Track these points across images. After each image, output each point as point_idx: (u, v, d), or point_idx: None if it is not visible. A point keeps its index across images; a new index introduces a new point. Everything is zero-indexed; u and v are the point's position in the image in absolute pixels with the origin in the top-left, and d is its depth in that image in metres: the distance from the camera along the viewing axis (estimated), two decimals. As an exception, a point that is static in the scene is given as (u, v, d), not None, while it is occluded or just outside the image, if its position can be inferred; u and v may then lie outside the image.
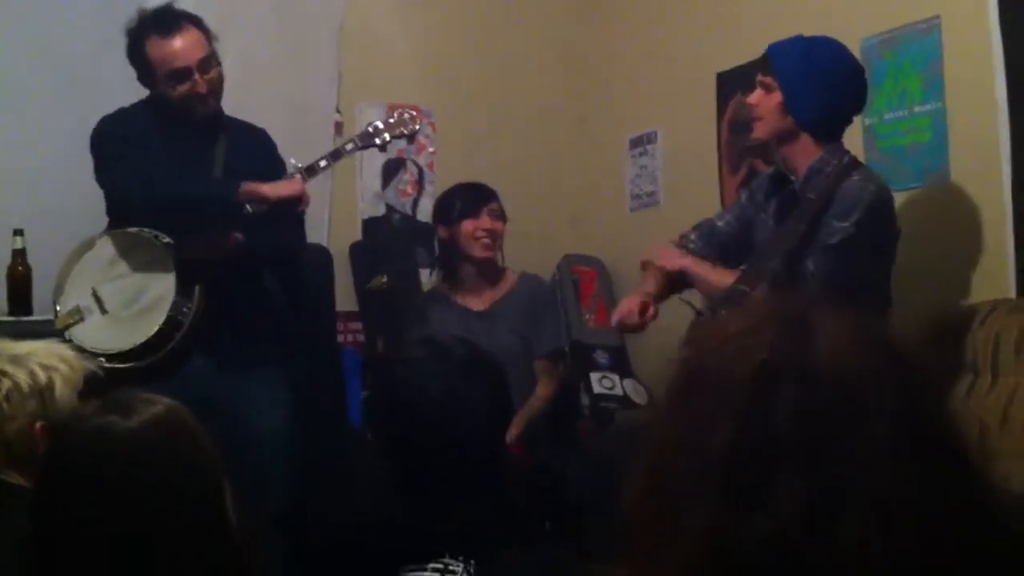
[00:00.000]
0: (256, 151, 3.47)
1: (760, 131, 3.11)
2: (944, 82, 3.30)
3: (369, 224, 4.56)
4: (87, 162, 3.36)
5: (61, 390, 2.02)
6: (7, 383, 1.96)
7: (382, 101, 4.55)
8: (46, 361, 2.05)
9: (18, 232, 3.68)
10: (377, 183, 4.57)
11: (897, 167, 3.44)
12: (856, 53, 3.54)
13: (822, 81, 3.02)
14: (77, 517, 1.39)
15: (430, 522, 1.81)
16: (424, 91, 4.63)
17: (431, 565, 1.73)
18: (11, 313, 3.64)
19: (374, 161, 4.51)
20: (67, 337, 3.19)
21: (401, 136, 3.58)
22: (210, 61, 3.32)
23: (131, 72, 3.36)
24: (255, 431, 3.29)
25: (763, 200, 3.24)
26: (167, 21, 3.29)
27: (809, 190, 3.00)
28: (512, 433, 3.63)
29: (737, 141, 4.03)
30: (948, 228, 3.30)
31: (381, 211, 4.59)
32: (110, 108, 3.43)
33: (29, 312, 3.64)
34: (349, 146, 3.48)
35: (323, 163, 3.40)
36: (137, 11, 3.36)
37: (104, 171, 3.30)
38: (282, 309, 3.58)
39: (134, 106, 3.44)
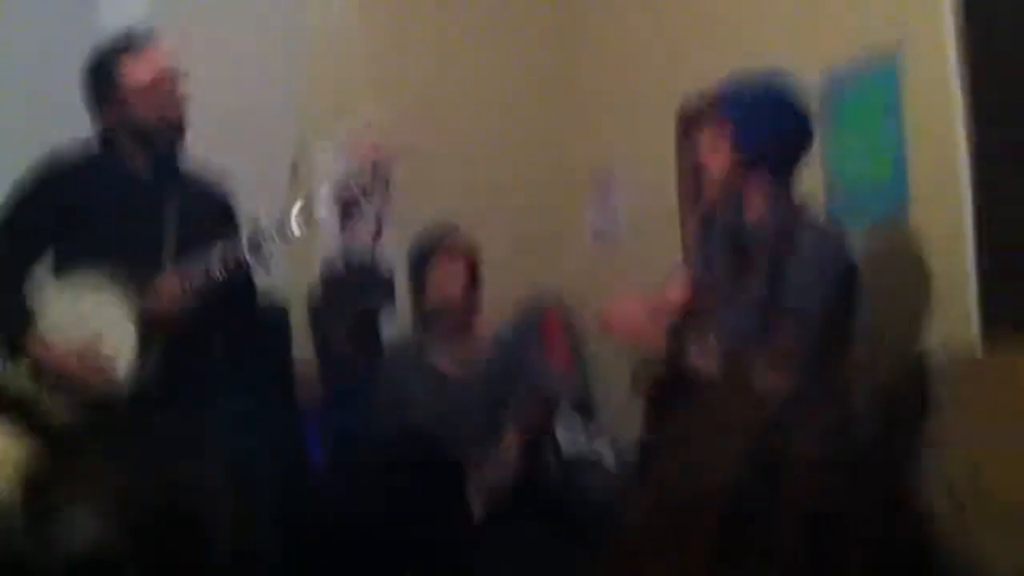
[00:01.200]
0: (213, 209, 3.38)
1: (721, 187, 3.03)
2: (904, 117, 3.25)
3: (326, 270, 4.47)
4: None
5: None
6: None
7: (339, 140, 4.49)
8: None
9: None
10: (335, 226, 4.49)
11: (857, 204, 3.39)
12: (816, 86, 3.51)
13: (770, 116, 2.97)
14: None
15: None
16: (381, 128, 4.56)
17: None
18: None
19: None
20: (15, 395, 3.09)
21: (375, 192, 3.46)
22: (176, 73, 3.28)
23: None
24: (214, 492, 3.17)
25: (714, 253, 3.17)
26: (134, 40, 3.28)
27: (761, 243, 2.92)
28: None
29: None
30: (908, 266, 3.24)
31: (340, 257, 4.50)
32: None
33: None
34: (320, 211, 3.34)
35: (296, 228, 3.25)
36: (93, 47, 3.31)
37: None
38: (235, 370, 3.48)
39: (79, 150, 3.33)
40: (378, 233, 4.54)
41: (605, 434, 4.28)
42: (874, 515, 0.94)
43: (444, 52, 4.76)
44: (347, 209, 4.29)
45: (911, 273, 3.23)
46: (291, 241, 3.27)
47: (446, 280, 3.77)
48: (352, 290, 4.44)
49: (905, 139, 3.25)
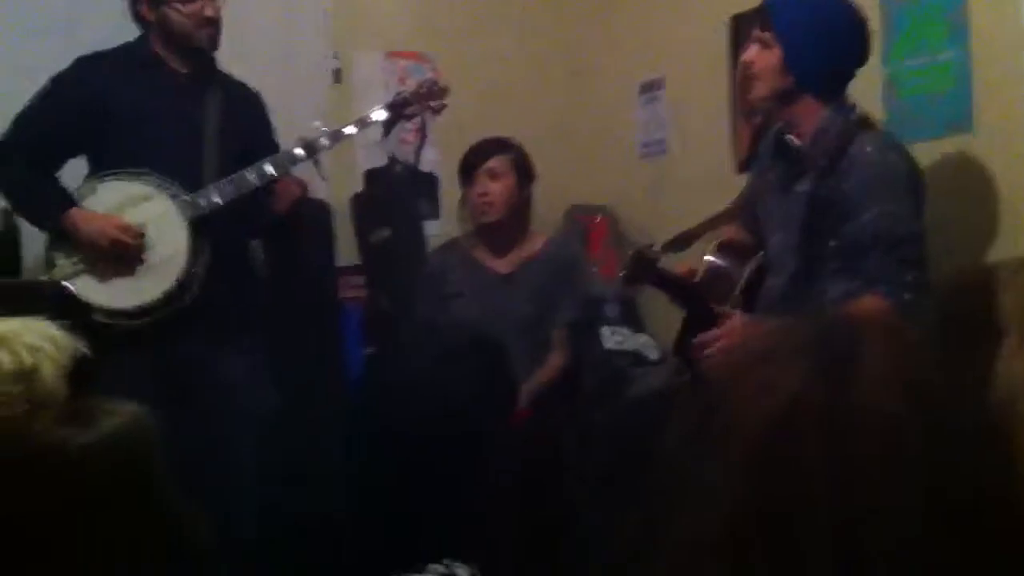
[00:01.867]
0: (250, 115, 3.36)
1: (759, 90, 2.89)
2: (969, 29, 3.15)
3: (370, 175, 4.42)
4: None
5: (47, 373, 1.91)
6: None
7: (380, 47, 4.43)
8: (33, 341, 1.93)
9: (5, 192, 3.53)
10: (378, 133, 4.43)
11: (918, 116, 3.31)
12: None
13: (825, 36, 2.85)
14: (27, 537, 1.31)
15: (427, 519, 1.71)
16: (423, 37, 4.50)
17: (433, 566, 1.62)
18: (-1, 274, 3.52)
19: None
20: (66, 289, 3.09)
21: (429, 110, 3.44)
22: None
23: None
24: (242, 411, 3.19)
25: (769, 169, 3.09)
26: None
27: (817, 154, 2.82)
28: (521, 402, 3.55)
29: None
30: (970, 181, 3.17)
31: (382, 161, 4.45)
32: None
33: (18, 273, 3.52)
34: (376, 115, 3.40)
35: (350, 129, 3.34)
36: None
37: (19, 117, 3.23)
38: (280, 271, 3.47)
39: (117, 51, 3.32)
40: (422, 139, 4.49)
41: (649, 335, 4.26)
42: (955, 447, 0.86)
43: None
44: (393, 117, 4.27)
45: (973, 188, 3.16)
46: (343, 140, 3.24)
47: (488, 199, 3.76)
48: (397, 192, 4.41)
49: (969, 52, 3.15)
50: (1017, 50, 3.02)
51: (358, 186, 4.39)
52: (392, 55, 4.45)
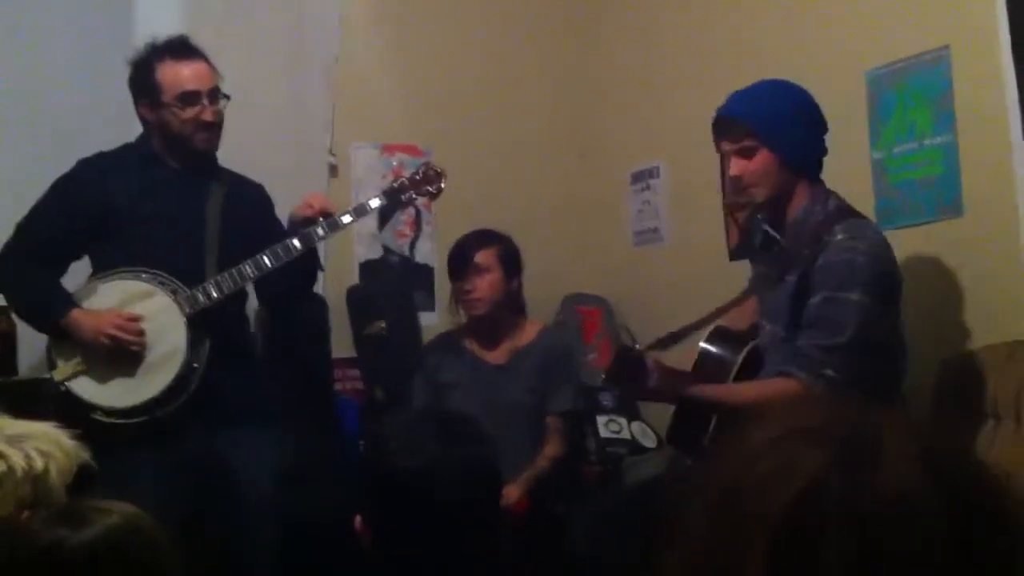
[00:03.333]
0: (252, 210, 3.38)
1: (760, 195, 2.90)
2: (955, 114, 3.19)
3: (366, 267, 4.45)
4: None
5: (55, 479, 1.92)
6: (2, 465, 1.86)
7: (377, 142, 4.47)
8: (43, 447, 1.94)
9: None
10: (374, 225, 4.46)
11: (908, 201, 3.33)
12: (862, 85, 3.47)
13: (804, 118, 2.90)
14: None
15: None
16: (419, 130, 4.53)
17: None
18: (-5, 373, 3.53)
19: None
20: (64, 389, 3.11)
21: (427, 195, 3.47)
22: (218, 94, 3.28)
23: (118, 129, 3.26)
24: (246, 492, 3.18)
25: (757, 257, 3.12)
26: (183, 48, 3.27)
27: (797, 245, 2.85)
28: (516, 492, 3.54)
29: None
30: (962, 265, 3.19)
31: (378, 253, 4.48)
32: None
33: (14, 372, 3.52)
34: (374, 203, 3.37)
35: (347, 219, 3.31)
36: (147, 42, 3.32)
37: (21, 223, 3.27)
38: (278, 362, 3.47)
39: (118, 151, 3.36)
40: (417, 230, 4.52)
41: (645, 423, 4.25)
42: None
43: (478, 57, 4.71)
44: (387, 208, 4.30)
45: (965, 272, 3.17)
46: (340, 230, 3.28)
47: (476, 294, 3.78)
48: (392, 284, 4.43)
49: (956, 137, 3.19)
50: (1003, 133, 3.05)
51: (354, 278, 4.41)
52: (388, 148, 4.50)
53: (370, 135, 4.49)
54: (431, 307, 4.45)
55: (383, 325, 4.23)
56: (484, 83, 4.70)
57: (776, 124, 2.86)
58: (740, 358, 2.98)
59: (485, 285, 3.78)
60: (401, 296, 4.39)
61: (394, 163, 4.48)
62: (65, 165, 3.33)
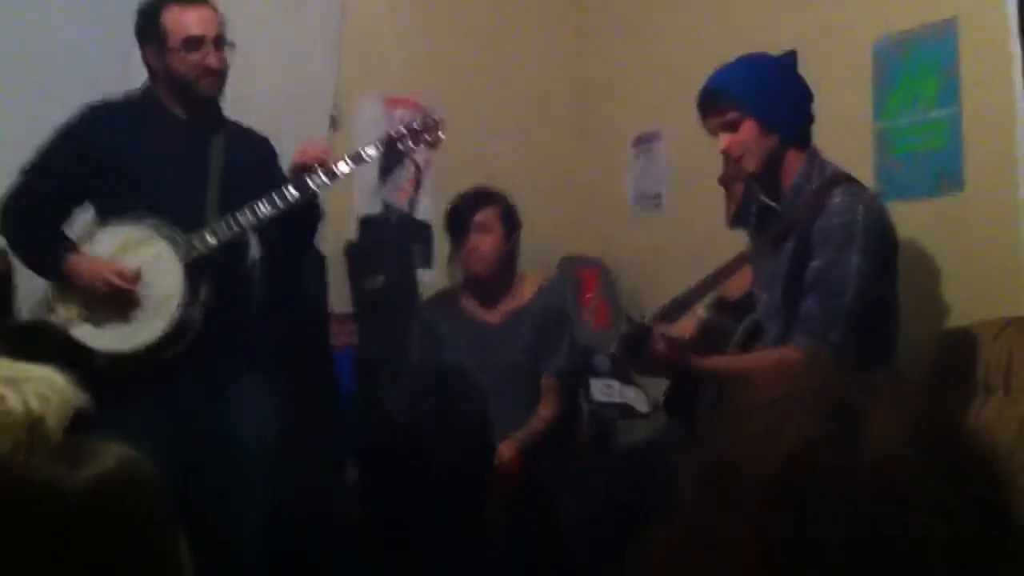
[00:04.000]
0: (255, 161, 3.37)
1: (751, 165, 2.90)
2: (960, 86, 3.19)
3: (366, 222, 4.44)
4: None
5: (51, 423, 1.92)
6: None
7: (379, 94, 4.46)
8: (41, 390, 1.94)
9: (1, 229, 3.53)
10: (374, 180, 4.45)
11: (910, 174, 3.33)
12: (868, 56, 3.45)
13: (785, 85, 2.93)
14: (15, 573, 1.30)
15: (413, 552, 1.72)
16: (422, 85, 4.51)
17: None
18: (-8, 315, 3.53)
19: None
20: (64, 333, 3.11)
21: (425, 143, 3.45)
22: (223, 40, 3.27)
23: (116, 74, 3.25)
24: (240, 445, 3.20)
25: (752, 229, 3.12)
26: None
27: (795, 211, 2.85)
28: (509, 450, 3.55)
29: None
30: (962, 239, 3.19)
31: (378, 209, 4.47)
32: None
33: (9, 314, 3.52)
34: (371, 151, 3.35)
35: (343, 167, 3.27)
36: None
37: (26, 167, 3.25)
38: (274, 314, 3.47)
39: (123, 98, 3.36)
40: (417, 187, 4.51)
41: (640, 388, 4.26)
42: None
43: (483, 15, 4.69)
44: (388, 162, 4.29)
45: (964, 246, 3.18)
46: (337, 178, 3.26)
47: (479, 253, 3.78)
48: (391, 240, 4.42)
49: (961, 110, 3.18)
50: (1008, 108, 3.05)
51: (353, 234, 4.40)
52: (390, 101, 4.48)
53: (373, 88, 4.47)
54: (429, 264, 4.45)
55: (381, 280, 4.23)
56: (488, 41, 4.68)
57: (758, 93, 2.87)
58: (741, 328, 2.99)
59: (486, 244, 3.78)
60: (400, 252, 4.40)
61: (396, 118, 4.46)
62: (68, 112, 3.32)
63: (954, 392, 2.87)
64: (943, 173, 3.23)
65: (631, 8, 4.63)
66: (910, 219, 3.16)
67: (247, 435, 3.21)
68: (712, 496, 0.89)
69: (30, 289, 3.49)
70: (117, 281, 3.12)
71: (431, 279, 4.36)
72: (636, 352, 2.79)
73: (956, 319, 3.11)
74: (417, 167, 4.50)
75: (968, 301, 3.13)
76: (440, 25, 4.62)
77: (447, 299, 3.94)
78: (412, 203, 4.52)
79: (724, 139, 2.91)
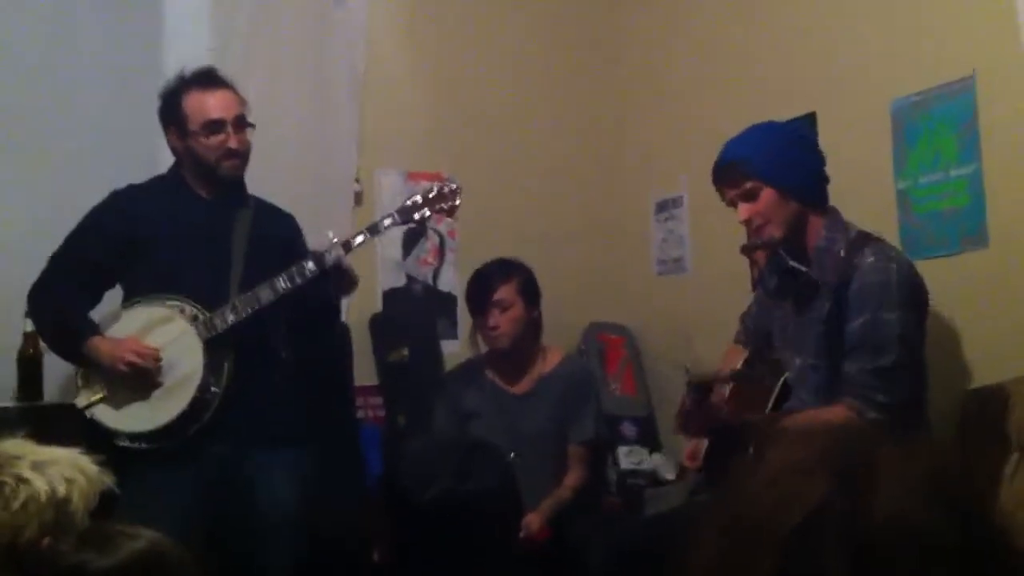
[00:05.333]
0: (279, 238, 3.41)
1: (774, 232, 2.92)
2: (980, 143, 3.19)
3: (389, 295, 4.45)
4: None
5: (76, 505, 1.93)
6: (26, 491, 1.87)
7: (402, 169, 4.49)
8: (67, 473, 1.95)
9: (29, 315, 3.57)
10: (397, 253, 4.47)
11: (933, 232, 3.32)
12: (887, 115, 3.46)
13: (798, 150, 2.95)
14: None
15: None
16: (444, 158, 4.54)
17: None
18: (21, 398, 3.54)
19: (394, 230, 4.41)
20: (88, 416, 3.14)
21: (441, 212, 3.47)
22: (244, 121, 3.33)
23: (140, 148, 3.28)
24: (269, 515, 3.20)
25: (776, 294, 3.12)
26: (209, 78, 3.32)
27: (825, 273, 2.86)
28: (537, 520, 3.53)
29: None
30: (987, 296, 3.17)
31: (402, 282, 4.49)
32: (123, 181, 3.40)
33: (40, 397, 3.55)
34: (387, 221, 3.37)
35: (360, 238, 3.30)
36: (176, 73, 3.37)
37: (55, 253, 3.30)
38: (301, 386, 3.48)
39: (150, 182, 3.41)
40: (440, 258, 4.53)
41: (666, 455, 4.24)
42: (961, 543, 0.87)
43: (503, 85, 4.72)
44: (410, 234, 4.31)
45: (990, 303, 3.16)
46: (353, 251, 3.27)
47: (500, 331, 3.77)
48: (415, 312, 4.43)
49: (982, 167, 3.18)
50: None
51: (377, 307, 4.42)
52: (412, 175, 4.51)
53: (395, 162, 4.51)
54: (454, 335, 4.45)
55: (405, 353, 4.24)
56: (509, 111, 4.72)
57: (773, 160, 2.89)
58: (779, 383, 2.98)
59: (507, 320, 3.77)
60: (424, 324, 4.40)
61: (418, 190, 4.49)
62: (98, 196, 3.37)
63: (986, 451, 2.84)
64: (967, 230, 3.23)
65: (651, 75, 4.67)
66: (936, 277, 3.14)
67: (270, 510, 3.20)
68: (735, 552, 0.91)
69: (59, 372, 3.52)
70: (136, 360, 3.14)
71: (455, 349, 4.36)
72: (701, 408, 2.80)
73: (983, 377, 3.08)
74: (440, 238, 4.52)
75: (995, 358, 3.10)
76: (460, 98, 4.65)
77: (471, 370, 3.94)
78: (435, 274, 4.54)
79: (744, 209, 2.92)
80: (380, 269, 4.45)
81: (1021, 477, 2.80)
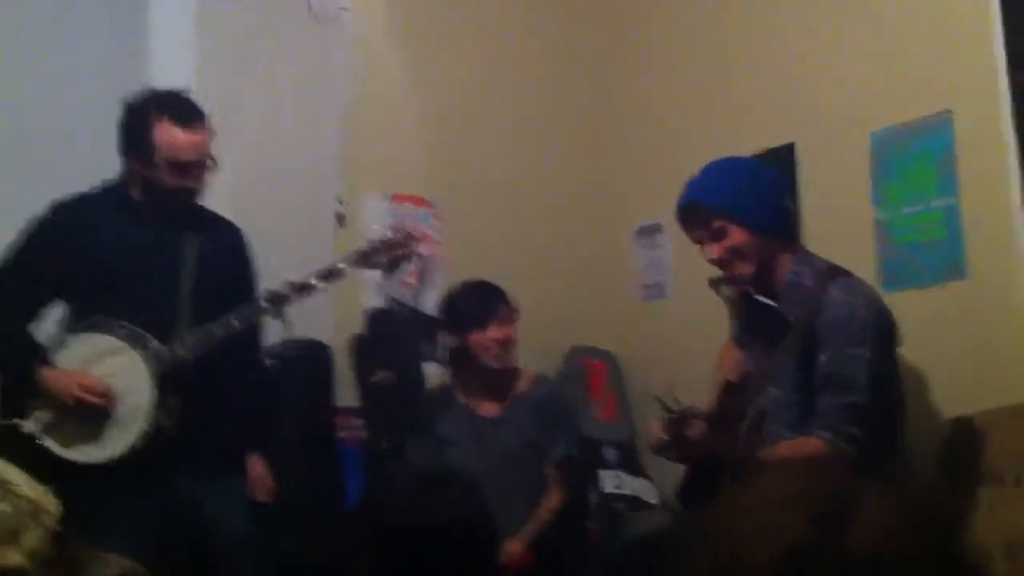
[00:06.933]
0: (228, 256, 3.36)
1: (746, 270, 2.94)
2: (958, 177, 3.22)
3: (372, 316, 4.45)
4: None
5: (51, 512, 1.94)
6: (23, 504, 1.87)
7: (386, 193, 4.50)
8: (33, 485, 1.96)
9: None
10: (379, 274, 4.47)
11: (912, 263, 3.35)
12: (866, 147, 3.49)
13: (762, 184, 2.98)
14: None
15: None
16: (428, 181, 4.56)
17: None
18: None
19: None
20: (39, 443, 3.08)
21: (398, 259, 3.45)
22: (209, 160, 3.24)
23: (99, 155, 3.27)
24: (231, 538, 3.19)
25: (747, 331, 3.14)
26: (186, 111, 3.21)
27: (793, 308, 2.88)
28: (519, 546, 3.53)
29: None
30: (966, 327, 3.20)
31: (384, 303, 4.49)
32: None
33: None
34: (342, 265, 3.33)
35: (315, 281, 3.27)
36: (145, 87, 3.29)
37: None
38: (280, 408, 3.48)
39: (97, 192, 3.31)
40: (422, 280, 4.54)
41: (650, 480, 4.24)
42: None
43: (487, 111, 4.74)
44: (393, 258, 4.31)
45: (968, 335, 3.19)
46: (309, 292, 3.25)
47: (509, 343, 3.77)
48: (398, 334, 4.43)
49: (959, 200, 3.21)
50: (1005, 197, 3.08)
51: (359, 327, 4.42)
52: (396, 198, 4.53)
53: (379, 185, 4.52)
54: (436, 357, 4.45)
55: (387, 374, 4.24)
56: (494, 136, 4.73)
57: (739, 197, 2.91)
58: (753, 411, 2.99)
59: (512, 335, 3.78)
60: (406, 346, 4.40)
61: (401, 215, 4.50)
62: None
63: (963, 483, 2.86)
64: (945, 262, 3.26)
65: (633, 102, 4.70)
66: (913, 308, 3.18)
67: (225, 537, 3.18)
68: None
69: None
70: (84, 396, 3.09)
71: (438, 372, 4.36)
72: (678, 437, 2.81)
73: (961, 407, 3.10)
74: (422, 260, 4.53)
75: (973, 389, 3.13)
76: (446, 123, 4.66)
77: (443, 395, 3.93)
78: (417, 296, 4.55)
79: (713, 249, 2.94)
80: (362, 291, 4.46)
81: (997, 508, 2.83)
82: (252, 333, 3.34)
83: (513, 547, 3.51)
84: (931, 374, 3.20)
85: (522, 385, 3.87)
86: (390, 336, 4.43)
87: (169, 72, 3.85)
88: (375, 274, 4.43)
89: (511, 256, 4.49)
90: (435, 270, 4.56)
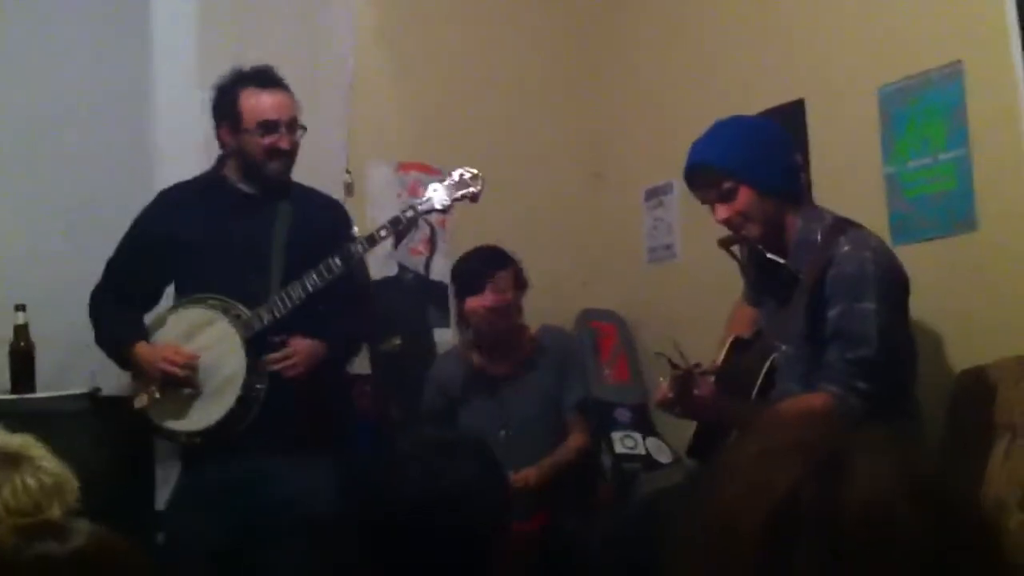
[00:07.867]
0: (322, 229, 3.46)
1: (755, 231, 2.92)
2: (968, 128, 3.19)
3: (381, 285, 4.45)
4: (89, 235, 3.45)
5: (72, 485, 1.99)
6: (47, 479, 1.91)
7: (392, 160, 4.49)
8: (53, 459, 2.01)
9: (20, 307, 3.57)
10: (389, 242, 4.47)
11: (923, 216, 3.33)
12: (875, 101, 3.47)
13: (770, 145, 2.94)
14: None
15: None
16: (434, 149, 4.54)
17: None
18: (14, 391, 3.55)
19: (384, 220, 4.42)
20: (142, 415, 3.30)
21: (463, 199, 3.50)
22: (296, 124, 3.41)
23: (127, 145, 3.43)
24: (286, 517, 3.21)
25: (757, 288, 3.13)
26: (267, 77, 3.41)
27: (803, 264, 2.86)
28: (535, 474, 3.54)
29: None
30: (977, 278, 3.19)
31: (393, 271, 4.49)
32: (109, 183, 3.46)
33: (32, 390, 3.55)
34: (409, 213, 3.45)
35: (383, 232, 3.42)
36: (232, 67, 3.46)
37: (109, 259, 3.46)
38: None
39: (194, 180, 3.50)
40: (432, 248, 4.54)
41: (662, 439, 4.24)
42: (940, 530, 0.87)
43: (492, 76, 4.73)
44: (403, 226, 4.31)
45: (979, 285, 3.17)
46: (378, 244, 3.44)
47: (500, 310, 3.76)
48: (406, 301, 4.44)
49: (970, 151, 3.19)
50: (1016, 147, 3.06)
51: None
52: (403, 166, 4.52)
53: (385, 154, 4.51)
54: (445, 323, 4.46)
55: (398, 342, 4.24)
56: (498, 101, 4.72)
57: (748, 158, 2.88)
58: (764, 368, 2.99)
59: (506, 302, 3.77)
60: (416, 313, 4.41)
61: (409, 183, 4.50)
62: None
63: (974, 431, 2.86)
64: (956, 214, 3.23)
65: (640, 64, 4.67)
66: (925, 261, 3.16)
67: (304, 506, 3.20)
68: (712, 541, 0.91)
69: (51, 366, 3.61)
70: (168, 368, 3.25)
71: (447, 338, 4.37)
72: (684, 395, 2.81)
73: (973, 358, 3.09)
74: (431, 228, 4.53)
75: (985, 340, 3.11)
76: (450, 90, 4.66)
77: (455, 356, 3.94)
78: (427, 264, 4.54)
79: (722, 210, 2.93)
80: (371, 259, 4.45)
81: (1011, 457, 2.82)
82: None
83: (529, 475, 3.52)
84: (943, 325, 3.19)
85: (529, 341, 3.87)
86: (400, 303, 4.43)
87: (171, 54, 3.91)
88: (384, 243, 4.43)
89: (519, 220, 4.48)
90: (443, 237, 4.55)
